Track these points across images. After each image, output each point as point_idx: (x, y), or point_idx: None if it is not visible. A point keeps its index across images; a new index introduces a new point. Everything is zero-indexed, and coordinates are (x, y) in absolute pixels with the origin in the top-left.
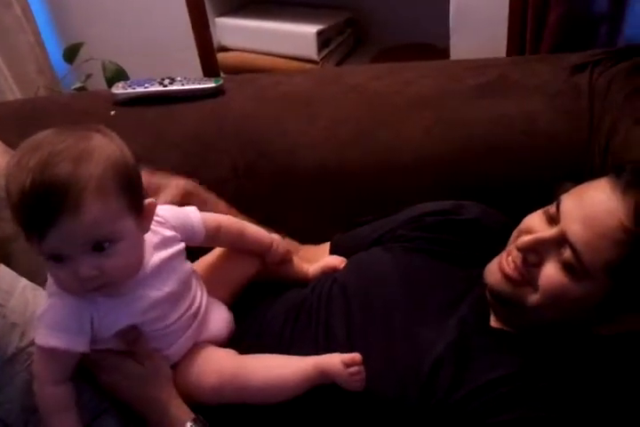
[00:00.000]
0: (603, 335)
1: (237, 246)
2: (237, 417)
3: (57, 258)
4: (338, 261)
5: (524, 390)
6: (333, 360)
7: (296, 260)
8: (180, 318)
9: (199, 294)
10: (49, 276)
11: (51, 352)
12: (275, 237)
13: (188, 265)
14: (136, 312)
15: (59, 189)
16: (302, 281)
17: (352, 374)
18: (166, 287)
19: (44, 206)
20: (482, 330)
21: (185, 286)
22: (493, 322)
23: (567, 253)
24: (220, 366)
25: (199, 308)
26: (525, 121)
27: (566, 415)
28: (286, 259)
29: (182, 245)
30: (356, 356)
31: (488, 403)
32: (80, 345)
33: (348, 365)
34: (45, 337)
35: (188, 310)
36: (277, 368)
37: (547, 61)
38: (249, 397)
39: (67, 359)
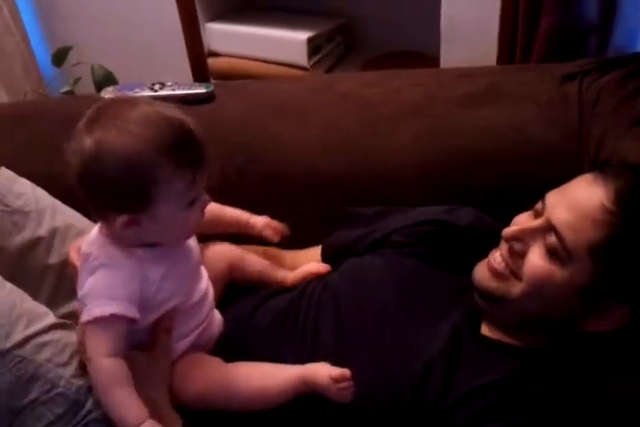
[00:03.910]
0: (590, 334)
1: (215, 228)
2: (223, 422)
3: (192, 202)
4: (320, 267)
5: (508, 399)
6: (321, 373)
7: (273, 267)
8: (199, 300)
9: (211, 290)
10: (100, 248)
11: (104, 322)
12: (256, 217)
13: (198, 247)
14: (174, 275)
15: (194, 126)
16: (281, 287)
17: (340, 389)
18: (189, 259)
19: (198, 143)
20: (472, 337)
21: (198, 267)
22: (484, 330)
23: (551, 238)
24: (207, 372)
25: (211, 303)
26: (515, 130)
27: (550, 424)
28: (269, 236)
29: None
30: (345, 372)
31: (473, 413)
32: (133, 311)
33: (336, 380)
34: (101, 307)
35: (204, 297)
36: (262, 378)
37: (537, 71)
38: (233, 405)
39: (119, 328)
